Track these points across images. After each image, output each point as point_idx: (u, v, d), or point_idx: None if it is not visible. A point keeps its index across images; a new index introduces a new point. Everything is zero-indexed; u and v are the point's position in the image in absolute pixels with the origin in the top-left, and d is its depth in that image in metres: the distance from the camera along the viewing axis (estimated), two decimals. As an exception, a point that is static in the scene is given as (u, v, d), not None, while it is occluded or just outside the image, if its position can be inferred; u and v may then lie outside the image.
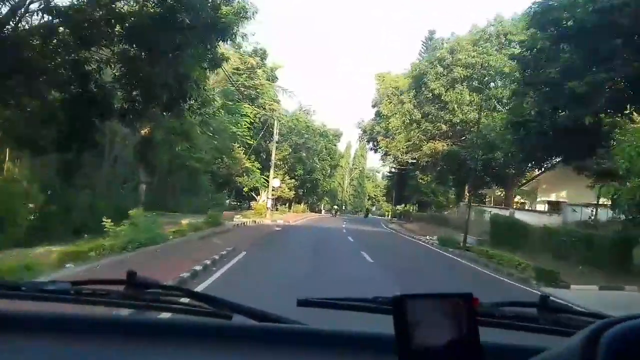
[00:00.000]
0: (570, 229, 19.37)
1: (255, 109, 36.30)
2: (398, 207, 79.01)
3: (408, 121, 31.86)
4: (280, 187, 57.70)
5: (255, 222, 31.61)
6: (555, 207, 39.32)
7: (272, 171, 39.00)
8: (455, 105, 29.20)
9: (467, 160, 29.78)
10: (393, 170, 61.91)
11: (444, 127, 30.30)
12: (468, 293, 0.95)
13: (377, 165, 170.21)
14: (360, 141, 56.86)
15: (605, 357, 0.62)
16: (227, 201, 56.77)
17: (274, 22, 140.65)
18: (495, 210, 29.79)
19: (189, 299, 1.39)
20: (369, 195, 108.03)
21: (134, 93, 19.57)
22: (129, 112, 17.71)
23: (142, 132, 20.17)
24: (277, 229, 26.99)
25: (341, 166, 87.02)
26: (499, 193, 66.12)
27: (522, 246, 19.79)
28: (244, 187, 46.70)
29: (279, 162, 57.43)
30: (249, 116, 40.41)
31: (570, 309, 1.50)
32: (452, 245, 21.83)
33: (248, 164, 43.05)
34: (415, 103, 32.33)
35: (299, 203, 67.78)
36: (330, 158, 71.68)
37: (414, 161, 34.35)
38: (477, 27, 31.94)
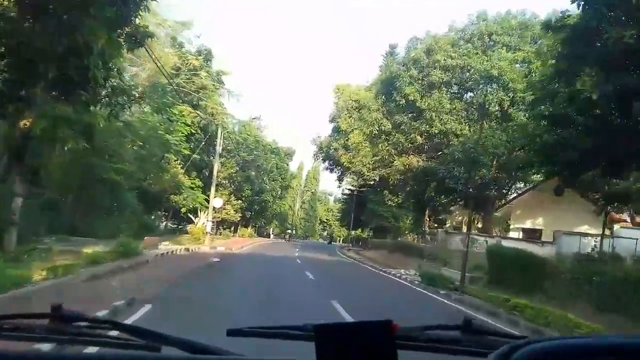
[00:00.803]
0: (602, 268, 14.60)
1: (195, 111, 30.55)
2: (353, 232, 74.21)
3: (376, 132, 27.11)
4: (223, 208, 51.60)
5: (188, 250, 25.58)
6: (531, 235, 35.37)
7: (213, 188, 33.08)
8: (433, 114, 24.76)
9: (446, 178, 25.16)
10: (350, 191, 57.09)
11: (419, 139, 25.72)
12: (387, 320, 0.98)
13: (331, 188, 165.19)
14: (315, 159, 51.89)
15: None
16: (163, 224, 50.26)
17: (224, 31, 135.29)
18: (475, 238, 25.12)
19: (117, 332, 1.35)
20: (320, 220, 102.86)
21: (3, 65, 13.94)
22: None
23: (21, 124, 14.11)
24: (215, 260, 21.16)
25: (292, 187, 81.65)
26: (459, 218, 62.61)
27: (537, 288, 14.91)
28: (181, 208, 40.38)
29: (223, 181, 51.47)
30: (187, 124, 34.45)
31: (493, 330, 1.43)
32: (443, 285, 16.68)
33: (186, 181, 36.89)
34: (384, 111, 27.73)
35: (246, 226, 61.64)
36: (282, 178, 66.19)
37: (379, 180, 29.34)
38: (454, 28, 27.83)
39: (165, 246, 24.30)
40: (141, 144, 27.18)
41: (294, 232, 75.49)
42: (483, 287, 16.74)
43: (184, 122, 35.38)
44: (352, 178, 29.05)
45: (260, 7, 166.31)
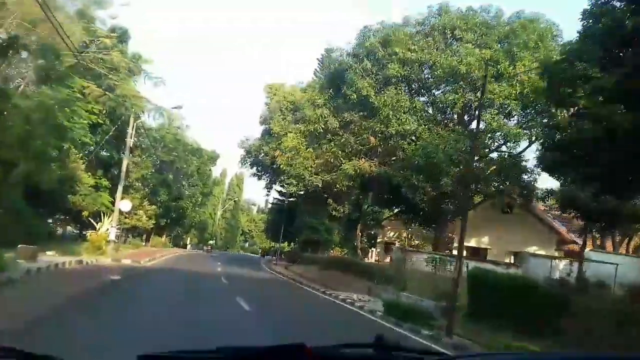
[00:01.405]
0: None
1: (99, 89, 24.98)
2: (279, 245, 69.70)
3: (322, 130, 23.22)
4: (134, 213, 45.45)
5: (82, 262, 20.11)
6: (475, 254, 32.92)
7: (120, 188, 27.58)
8: (390, 112, 21.27)
9: (402, 187, 21.68)
10: (279, 201, 52.71)
11: (372, 140, 22.11)
12: (300, 343, 1.01)
13: (255, 197, 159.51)
14: (242, 164, 47.05)
15: None
16: (61, 230, 43.24)
17: (146, 20, 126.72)
18: (434, 257, 21.74)
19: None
20: (242, 230, 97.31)
21: None
22: None
23: None
24: (114, 278, 16.05)
25: (214, 195, 75.87)
26: (391, 234, 60.14)
27: (545, 325, 11.50)
28: (83, 211, 34.06)
29: (136, 183, 45.36)
30: (93, 112, 28.65)
31: (404, 347, 1.42)
32: (420, 321, 12.80)
33: (88, 178, 30.89)
34: (331, 108, 23.96)
35: (160, 235, 55.36)
36: (203, 184, 60.55)
37: (322, 187, 25.28)
38: (410, 21, 24.66)
39: (49, 257, 18.74)
40: (28, 127, 21.34)
41: (214, 243, 69.73)
42: (465, 322, 13.12)
43: (88, 111, 29.53)
44: (291, 182, 24.77)
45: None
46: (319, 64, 57.02)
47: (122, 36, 34.75)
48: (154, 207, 48.68)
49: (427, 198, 23.07)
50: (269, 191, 50.68)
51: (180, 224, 60.18)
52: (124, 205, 28.27)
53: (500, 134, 22.36)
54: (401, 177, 21.62)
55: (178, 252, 47.16)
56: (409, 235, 51.98)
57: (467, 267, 20.43)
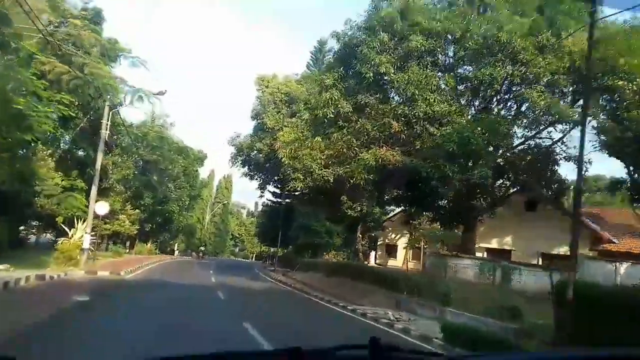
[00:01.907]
0: None
1: (63, 66, 21.01)
2: (273, 249, 65.86)
3: (332, 115, 19.60)
4: (115, 217, 41.46)
5: (46, 278, 16.20)
6: (498, 256, 29.57)
7: (94, 189, 23.62)
8: (416, 91, 17.74)
9: (433, 179, 18.16)
10: (272, 203, 48.99)
11: (395, 125, 18.52)
12: (296, 347, 1.00)
13: (245, 200, 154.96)
14: (232, 163, 43.20)
15: None
16: (34, 237, 39.11)
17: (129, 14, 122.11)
18: (465, 261, 18.18)
19: None
20: (232, 235, 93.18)
21: None
22: None
23: None
24: (80, 298, 12.29)
25: (202, 198, 71.79)
26: (393, 235, 56.71)
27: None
28: (57, 216, 29.97)
29: (116, 185, 41.35)
30: (63, 102, 24.76)
31: (398, 347, 1.43)
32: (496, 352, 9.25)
33: (58, 179, 26.97)
34: (342, 89, 20.35)
35: (146, 242, 51.25)
36: (190, 186, 56.50)
37: (333, 181, 21.51)
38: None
39: (0, 272, 14.88)
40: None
41: (203, 249, 65.55)
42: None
43: (57, 101, 25.61)
44: (297, 177, 21.02)
45: None
46: (312, 57, 53.67)
47: (95, 17, 30.91)
48: (137, 211, 44.74)
49: (456, 192, 19.59)
50: (262, 192, 46.89)
51: (166, 229, 56.14)
52: (100, 208, 24.34)
53: (543, 114, 18.91)
54: (430, 167, 18.11)
55: (165, 259, 43.19)
56: (414, 237, 48.59)
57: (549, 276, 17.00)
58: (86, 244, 22.26)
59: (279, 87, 39.59)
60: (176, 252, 61.55)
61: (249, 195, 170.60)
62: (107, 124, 23.33)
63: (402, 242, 54.17)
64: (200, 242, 75.21)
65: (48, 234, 41.82)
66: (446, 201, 22.57)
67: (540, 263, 27.85)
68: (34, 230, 39.96)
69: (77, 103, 30.10)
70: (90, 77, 20.78)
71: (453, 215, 23.18)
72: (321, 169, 20.27)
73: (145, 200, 46.31)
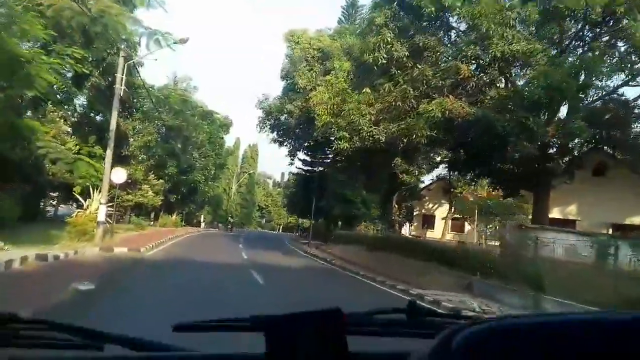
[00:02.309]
0: None
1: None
2: (302, 221, 63.25)
3: (384, 61, 16.13)
4: (138, 187, 39.05)
5: (49, 257, 13.45)
6: (558, 226, 26.04)
7: (109, 153, 20.74)
8: (492, 26, 14.13)
9: (511, 135, 14.69)
10: (305, 171, 45.95)
11: (464, 69, 14.98)
12: (335, 308, 1.01)
13: (271, 170, 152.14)
14: (260, 128, 39.95)
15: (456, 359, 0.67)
16: (53, 209, 36.97)
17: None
18: (550, 234, 14.79)
19: (55, 332, 1.26)
20: (258, 206, 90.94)
21: None
22: None
23: None
24: (82, 287, 9.46)
25: (228, 168, 69.16)
26: (430, 205, 53.30)
27: None
28: (75, 186, 27.42)
29: (138, 153, 38.75)
30: (72, 56, 21.82)
31: (436, 312, 1.39)
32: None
33: (71, 143, 24.30)
34: (395, 29, 16.82)
35: (170, 213, 48.97)
36: (216, 155, 53.75)
37: (385, 141, 18.11)
38: None
39: (-8, 253, 12.19)
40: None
41: (231, 220, 63.20)
42: None
43: (68, 55, 22.69)
44: (342, 136, 17.65)
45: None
46: (343, 12, 49.58)
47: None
48: (161, 181, 42.31)
49: (526, 154, 16.07)
50: (292, 159, 43.73)
51: (192, 200, 53.77)
52: (117, 175, 21.53)
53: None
54: (508, 120, 14.61)
55: (191, 231, 40.78)
56: (463, 206, 45.16)
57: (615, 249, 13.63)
58: (101, 217, 19.54)
59: (310, 43, 35.95)
60: (202, 224, 59.40)
61: (276, 165, 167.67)
62: (121, 78, 20.26)
63: (440, 212, 50.87)
64: (227, 213, 73.11)
65: (68, 206, 39.76)
66: (511, 164, 19.07)
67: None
68: (53, 202, 37.87)
69: (90, 59, 27.23)
70: (97, 15, 17.58)
71: (521, 181, 19.71)
72: (370, 126, 16.89)
73: (169, 169, 43.82)
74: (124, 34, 19.80)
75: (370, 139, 16.90)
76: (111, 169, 21.07)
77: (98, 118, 33.00)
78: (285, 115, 37.58)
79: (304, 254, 28.68)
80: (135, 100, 37.73)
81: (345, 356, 0.99)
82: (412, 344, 1.02)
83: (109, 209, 22.24)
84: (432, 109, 14.68)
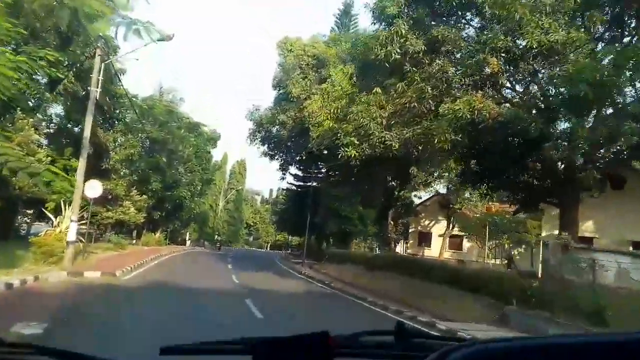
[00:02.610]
0: None
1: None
2: (293, 238, 60.92)
3: (397, 56, 14.12)
4: (119, 204, 36.48)
5: (2, 286, 11.00)
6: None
7: (81, 163, 18.31)
8: (527, 12, 12.15)
9: (546, 140, 12.67)
10: (297, 186, 43.78)
11: (493, 62, 12.91)
12: (324, 331, 1.01)
13: (259, 186, 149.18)
14: (251, 140, 37.71)
15: None
16: (26, 225, 34.23)
17: None
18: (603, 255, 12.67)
19: (38, 356, 1.24)
20: (246, 223, 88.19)
21: None
22: None
23: None
24: (23, 331, 7.15)
25: (215, 184, 66.62)
26: (427, 222, 51.25)
27: None
28: (47, 202, 24.80)
29: (119, 167, 36.28)
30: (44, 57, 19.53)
31: (425, 333, 1.47)
32: None
33: (41, 154, 21.88)
34: (409, 20, 14.82)
35: (154, 231, 46.27)
36: (202, 169, 51.32)
37: (398, 147, 15.84)
38: None
39: None
40: None
41: (220, 238, 60.42)
42: None
43: (41, 57, 20.34)
44: (350, 142, 15.40)
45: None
46: (336, 21, 47.88)
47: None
48: (144, 197, 39.72)
49: (566, 160, 14.13)
50: (284, 173, 41.52)
51: (177, 217, 51.10)
52: (91, 188, 19.12)
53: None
54: (544, 120, 12.57)
55: (175, 250, 38.18)
56: (430, 225, 43.33)
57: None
58: (72, 235, 17.07)
59: (304, 50, 34.02)
60: (188, 242, 56.66)
61: (264, 181, 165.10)
62: (98, 79, 17.97)
63: (437, 229, 48.85)
64: (214, 230, 70.38)
65: (44, 223, 37.03)
66: (535, 174, 17.11)
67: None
68: (28, 219, 35.15)
69: (66, 63, 24.98)
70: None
71: (543, 193, 17.76)
72: (382, 131, 14.79)
73: (152, 184, 41.31)
74: (96, 22, 17.47)
75: (381, 145, 14.77)
76: (84, 182, 18.67)
77: (76, 129, 30.55)
78: (277, 126, 35.48)
79: (299, 276, 26.33)
80: (117, 111, 35.42)
81: None
82: None
83: (82, 226, 19.79)
84: (460, 109, 12.59)
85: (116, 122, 35.16)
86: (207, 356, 1.23)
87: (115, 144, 36.08)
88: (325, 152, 33.67)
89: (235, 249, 64.93)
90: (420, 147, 14.98)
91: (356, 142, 15.14)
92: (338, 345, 1.15)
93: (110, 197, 34.97)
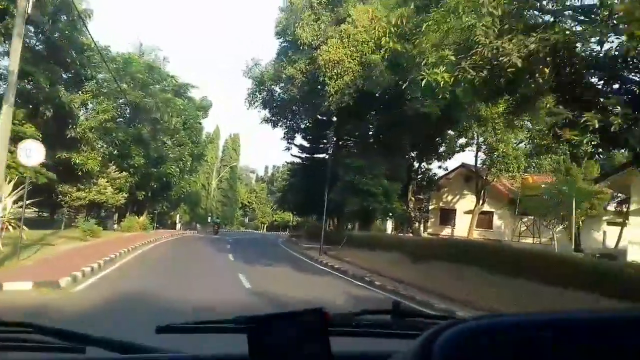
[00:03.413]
0: None
1: None
2: (298, 219, 55.02)
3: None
4: (92, 182, 30.40)
5: None
6: None
7: (7, 110, 11.93)
8: None
9: None
10: (301, 159, 37.72)
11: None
12: (318, 308, 1.01)
13: (254, 163, 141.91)
14: (250, 103, 31.42)
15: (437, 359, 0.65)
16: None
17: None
18: None
19: (38, 335, 1.27)
20: (242, 203, 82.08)
21: None
22: None
23: None
24: None
25: (207, 160, 60.21)
26: (450, 197, 45.34)
27: None
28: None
29: (90, 137, 29.95)
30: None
31: (421, 312, 1.44)
32: None
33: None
34: None
35: (139, 213, 40.15)
36: (192, 143, 44.89)
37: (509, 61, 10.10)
38: None
39: None
40: None
41: (219, 221, 54.07)
42: None
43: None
44: (444, 57, 9.77)
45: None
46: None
47: None
48: (124, 174, 33.58)
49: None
50: (289, 142, 35.38)
51: (165, 197, 44.90)
52: (29, 151, 12.79)
53: None
54: None
55: (163, 236, 32.11)
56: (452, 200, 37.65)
57: None
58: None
59: (314, -12, 27.58)
60: (178, 225, 50.54)
61: (259, 158, 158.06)
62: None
63: (461, 205, 43.16)
64: (207, 212, 64.29)
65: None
66: None
67: None
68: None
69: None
70: None
71: None
72: (494, 40, 8.79)
73: (134, 159, 35.06)
74: None
75: (495, 60, 8.75)
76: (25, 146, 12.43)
77: (29, 86, 24.13)
78: (283, 84, 29.19)
79: (320, 267, 20.43)
80: (87, 69, 28.89)
81: (328, 356, 0.98)
82: (396, 344, 0.98)
83: (18, 208, 13.66)
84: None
85: (85, 81, 28.64)
86: (203, 335, 1.26)
87: (85, 109, 29.71)
88: (346, 113, 27.64)
89: (231, 231, 58.93)
90: (548, 66, 8.97)
91: (452, 57, 9.03)
92: (335, 323, 1.15)
93: (81, 173, 28.72)
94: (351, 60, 23.83)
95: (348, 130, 30.96)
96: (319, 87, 25.68)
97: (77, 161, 27.31)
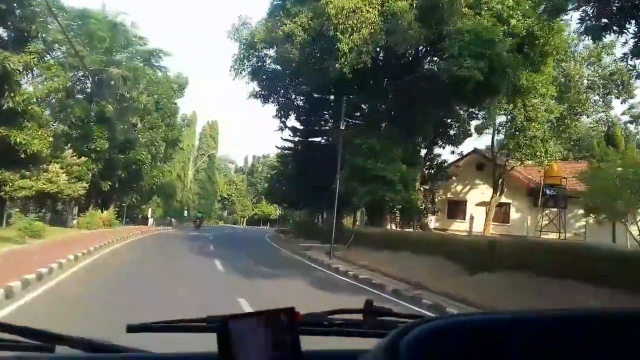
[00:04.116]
0: None
1: None
2: (287, 212, 49.70)
3: None
4: (41, 168, 24.60)
5: None
6: None
7: None
8: None
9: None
10: (294, 144, 32.46)
11: None
12: (290, 307, 1.01)
13: (233, 154, 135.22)
14: (236, 72, 25.92)
15: (404, 357, 0.66)
16: None
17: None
18: None
19: (4, 334, 1.22)
20: (221, 196, 76.17)
21: None
22: None
23: None
24: None
25: (182, 148, 54.23)
26: (459, 187, 40.52)
27: None
28: None
29: (37, 110, 24.06)
30: None
31: (395, 312, 1.44)
32: None
33: None
34: None
35: (104, 207, 34.38)
36: (166, 126, 39.08)
37: None
38: None
39: None
40: None
41: (201, 215, 48.43)
42: None
43: None
44: None
45: None
46: None
47: None
48: (84, 159, 27.84)
49: None
50: (282, 121, 30.00)
51: (134, 188, 39.01)
52: None
53: None
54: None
55: (130, 234, 26.46)
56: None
57: None
58: None
59: None
60: (150, 220, 44.61)
61: (238, 148, 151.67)
62: None
63: (472, 197, 38.46)
64: (182, 205, 58.46)
65: None
66: None
67: None
68: None
69: None
70: None
71: None
72: None
73: (97, 142, 29.33)
74: None
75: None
76: None
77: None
78: (277, 47, 23.72)
79: (342, 278, 15.24)
80: (31, 25, 22.88)
81: (298, 355, 0.98)
82: (368, 343, 0.99)
83: None
84: None
85: (29, 39, 22.64)
86: (173, 334, 1.25)
87: (30, 75, 23.76)
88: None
89: (209, 226, 53.26)
90: None
91: None
92: (306, 322, 1.15)
93: (24, 156, 22.85)
94: (370, 10, 18.67)
95: (356, 105, 25.71)
96: (325, 45, 20.45)
97: (18, 140, 21.48)
